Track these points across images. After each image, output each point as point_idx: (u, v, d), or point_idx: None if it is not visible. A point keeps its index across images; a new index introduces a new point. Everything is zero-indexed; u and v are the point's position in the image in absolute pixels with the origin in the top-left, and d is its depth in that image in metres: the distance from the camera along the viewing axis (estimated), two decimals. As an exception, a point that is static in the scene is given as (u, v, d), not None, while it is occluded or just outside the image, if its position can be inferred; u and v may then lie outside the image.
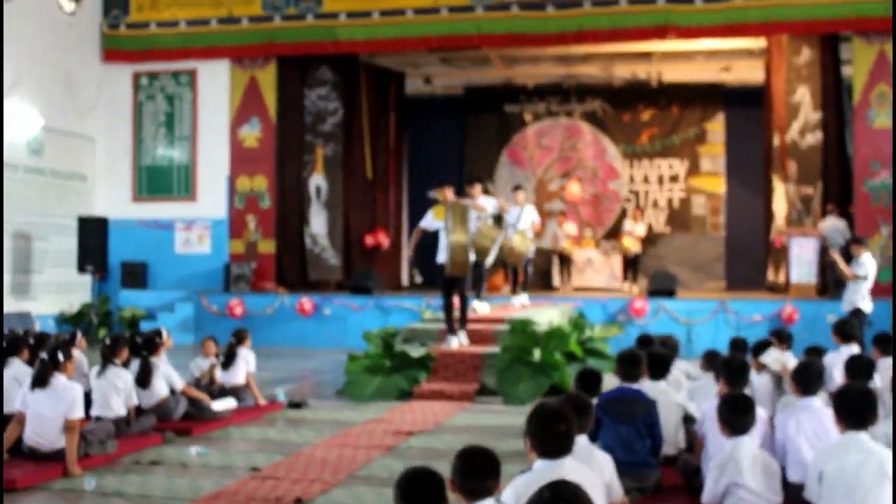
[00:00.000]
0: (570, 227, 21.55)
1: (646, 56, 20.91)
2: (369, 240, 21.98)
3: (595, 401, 6.41)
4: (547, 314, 14.40)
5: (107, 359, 8.81)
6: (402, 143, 24.07)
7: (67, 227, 18.66)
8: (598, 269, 21.23)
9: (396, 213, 23.59)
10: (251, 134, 19.64)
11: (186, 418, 9.58)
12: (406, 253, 19.88)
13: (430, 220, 12.62)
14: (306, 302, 18.11)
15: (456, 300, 12.64)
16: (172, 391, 9.54)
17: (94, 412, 8.65)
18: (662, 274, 18.80)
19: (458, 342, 12.47)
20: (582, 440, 5.58)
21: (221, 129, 19.78)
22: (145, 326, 17.40)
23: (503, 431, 9.34)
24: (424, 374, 12.03)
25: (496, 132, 23.89)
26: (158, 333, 9.95)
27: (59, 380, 7.58)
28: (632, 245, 20.51)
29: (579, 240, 21.53)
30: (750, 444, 5.43)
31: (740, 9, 17.19)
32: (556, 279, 20.88)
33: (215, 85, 19.86)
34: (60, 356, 7.70)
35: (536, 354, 11.97)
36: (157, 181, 20.22)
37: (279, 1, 19.18)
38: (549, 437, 4.50)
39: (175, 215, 20.09)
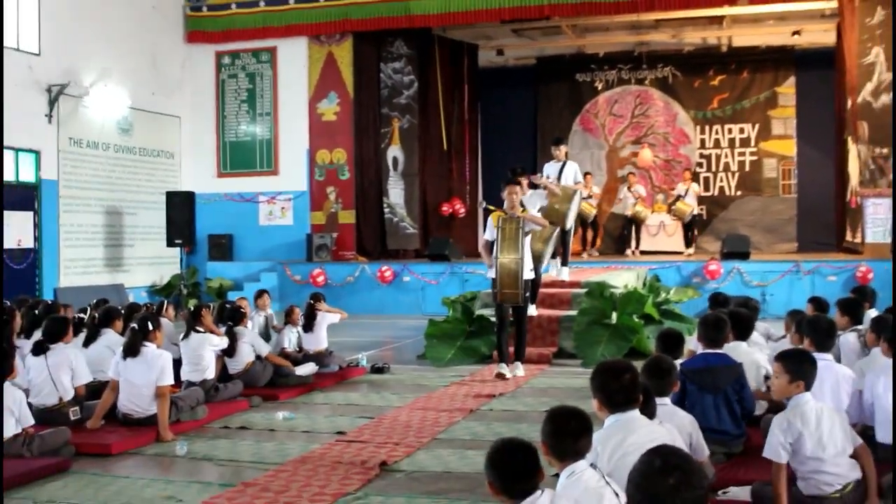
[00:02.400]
0: (640, 189, 20.82)
1: (716, 21, 20.33)
2: (446, 208, 21.81)
3: (678, 362, 6.14)
4: (623, 277, 14.13)
5: (191, 326, 8.79)
6: (476, 114, 23.77)
7: (156, 202, 18.75)
8: (669, 233, 20.74)
9: (472, 182, 23.35)
10: (329, 108, 19.56)
11: (272, 385, 9.53)
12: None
13: (491, 231, 10.23)
14: (386, 270, 18.03)
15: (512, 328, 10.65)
16: (259, 357, 9.49)
17: (183, 377, 8.64)
18: (735, 237, 18.36)
19: (507, 373, 10.14)
20: (666, 402, 5.37)
21: (301, 104, 19.73)
22: (232, 296, 17.46)
23: (582, 393, 9.01)
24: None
25: (568, 101, 23.45)
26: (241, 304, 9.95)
27: (148, 348, 7.53)
28: (685, 208, 19.87)
29: (651, 202, 21.00)
30: (810, 398, 5.09)
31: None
32: (631, 243, 20.28)
33: (294, 62, 19.81)
34: (149, 326, 7.64)
35: (614, 317, 11.73)
36: (240, 156, 20.25)
37: (354, -23, 19.02)
38: (616, 390, 4.33)
39: (258, 189, 20.12)
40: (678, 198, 20.03)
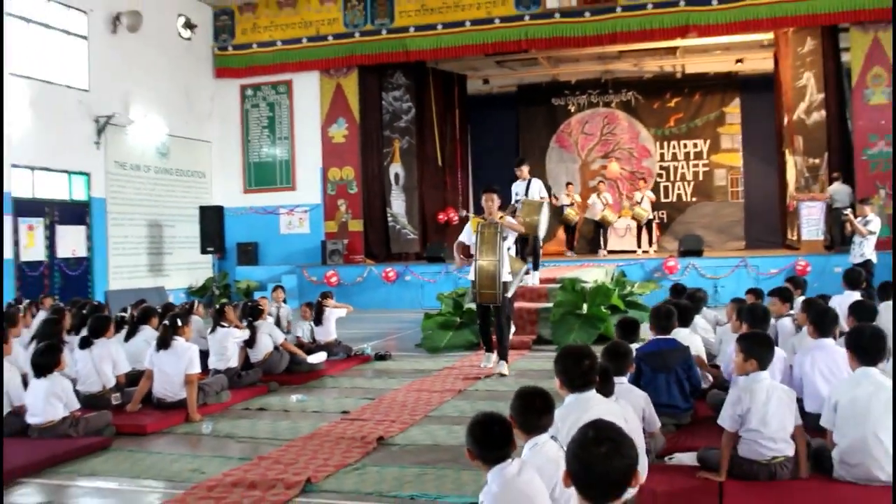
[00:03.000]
0: (608, 196, 20.39)
1: (671, 52, 20.28)
2: (441, 217, 21.77)
3: (634, 346, 6.13)
4: (593, 273, 14.07)
5: (216, 321, 8.78)
6: (467, 134, 23.74)
7: (191, 215, 18.72)
8: (634, 235, 20.70)
9: (464, 193, 23.32)
10: (339, 132, 19.53)
11: (288, 371, 9.50)
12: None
13: (469, 234, 9.69)
14: (390, 271, 18.01)
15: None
16: (276, 348, 9.46)
17: (210, 365, 8.62)
18: (691, 237, 18.34)
19: (493, 367, 9.51)
20: (623, 381, 5.35)
21: (314, 129, 19.70)
22: (257, 296, 17.44)
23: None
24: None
25: (545, 122, 23.43)
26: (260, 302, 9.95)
27: (178, 342, 7.52)
28: (642, 212, 19.48)
29: (619, 209, 20.91)
30: (766, 376, 5.08)
31: (751, 6, 16.54)
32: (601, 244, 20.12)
33: (307, 92, 19.76)
34: (179, 322, 7.63)
35: (585, 308, 11.69)
36: (262, 175, 20.22)
37: (358, 19, 19.00)
38: (576, 373, 4.33)
39: (279, 202, 20.08)
40: (636, 203, 19.74)
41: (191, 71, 19.37)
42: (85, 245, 16.29)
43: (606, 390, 4.78)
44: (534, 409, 3.77)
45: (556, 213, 21.00)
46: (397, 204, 20.75)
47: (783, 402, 4.91)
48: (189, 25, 19.12)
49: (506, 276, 9.20)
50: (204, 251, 18.41)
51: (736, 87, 22.17)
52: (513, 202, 12.05)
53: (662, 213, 21.98)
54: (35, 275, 15.05)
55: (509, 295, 9.48)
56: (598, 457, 2.49)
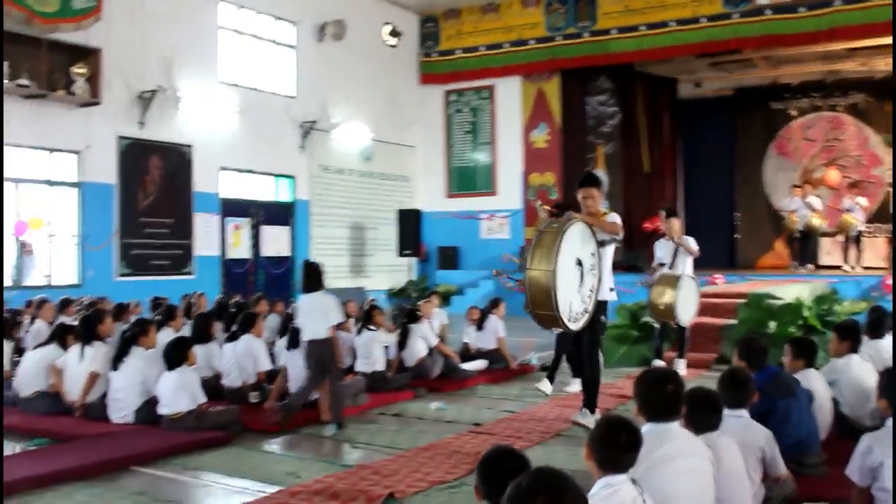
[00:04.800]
0: (815, 201, 17.34)
1: (905, 48, 18.35)
2: (647, 225, 20.85)
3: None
4: (795, 290, 12.86)
5: (364, 324, 8.75)
6: (677, 140, 22.61)
7: (392, 219, 19.02)
8: (861, 249, 18.78)
9: (673, 201, 22.24)
10: (540, 137, 19.21)
11: (442, 377, 9.27)
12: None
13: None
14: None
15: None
16: (430, 353, 9.26)
17: (356, 368, 8.55)
18: (917, 252, 16.45)
19: (545, 390, 8.19)
20: (742, 413, 4.65)
21: (516, 134, 19.50)
22: (456, 300, 17.45)
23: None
24: (668, 344, 10.99)
25: (763, 127, 21.86)
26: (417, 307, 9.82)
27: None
28: (851, 221, 16.78)
29: (835, 216, 18.86)
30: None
31: None
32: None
33: (509, 97, 19.59)
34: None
35: (772, 326, 10.67)
36: (464, 179, 20.26)
37: (560, 23, 18.60)
38: (655, 400, 3.73)
39: (480, 207, 20.03)
40: (844, 210, 17.18)
41: (396, 77, 19.70)
42: (288, 245, 16.92)
43: (710, 423, 4.17)
44: (617, 444, 3.20)
45: (775, 219, 19.59)
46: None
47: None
48: (395, 33, 19.47)
49: (605, 295, 6.97)
50: (401, 254, 18.63)
51: None
52: (654, 268, 10.06)
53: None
54: (240, 272, 15.80)
55: (686, 322, 8.29)
56: None
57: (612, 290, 7.13)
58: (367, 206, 18.84)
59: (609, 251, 7.08)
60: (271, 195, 16.66)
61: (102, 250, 13.48)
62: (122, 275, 13.70)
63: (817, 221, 17.05)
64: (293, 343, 7.41)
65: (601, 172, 19.63)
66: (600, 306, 6.89)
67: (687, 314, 9.62)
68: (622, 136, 20.19)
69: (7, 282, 12.34)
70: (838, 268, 17.25)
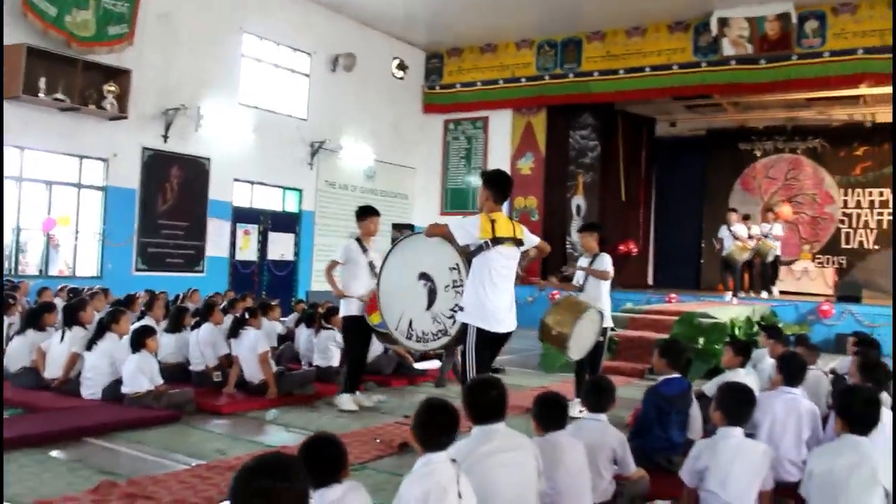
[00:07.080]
0: (777, 228, 16.27)
1: (856, 100, 18.25)
2: (622, 248, 20.85)
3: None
4: (732, 311, 12.84)
5: (320, 325, 8.81)
6: (652, 173, 22.63)
7: (388, 231, 19.08)
8: (812, 278, 18.76)
9: (645, 227, 22.23)
10: (526, 164, 19.24)
11: (395, 374, 9.33)
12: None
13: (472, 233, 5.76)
14: (556, 294, 17.41)
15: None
16: (387, 351, 9.34)
17: (314, 362, 8.65)
18: (851, 282, 16.35)
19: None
20: (601, 417, 4.71)
21: (504, 160, 19.46)
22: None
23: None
24: (608, 355, 11.00)
25: (731, 165, 21.86)
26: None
27: (248, 331, 7.60)
28: (768, 245, 15.83)
29: (798, 252, 18.72)
30: (737, 433, 4.25)
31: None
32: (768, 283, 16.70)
33: (501, 128, 19.64)
34: (246, 316, 7.79)
35: (701, 342, 10.69)
36: (457, 199, 20.31)
37: (549, 64, 18.66)
38: (481, 405, 3.75)
39: (470, 225, 20.01)
40: (761, 237, 16.01)
41: (401, 105, 19.83)
42: (292, 250, 17.05)
43: (556, 423, 4.23)
44: (435, 424, 3.29)
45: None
46: (576, 233, 20.07)
47: (752, 464, 4.11)
48: (402, 67, 19.63)
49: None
50: (396, 263, 18.68)
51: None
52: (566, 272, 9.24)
53: (842, 259, 19.80)
54: (246, 272, 15.95)
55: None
56: (249, 492, 2.14)
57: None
58: (368, 219, 18.89)
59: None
60: (279, 205, 16.82)
61: (123, 247, 13.69)
62: (139, 270, 13.90)
63: (737, 250, 15.62)
64: (232, 333, 7.56)
65: (580, 199, 19.73)
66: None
67: (579, 349, 7.19)
68: (602, 167, 20.21)
69: (34, 271, 12.59)
70: (807, 294, 17.10)
